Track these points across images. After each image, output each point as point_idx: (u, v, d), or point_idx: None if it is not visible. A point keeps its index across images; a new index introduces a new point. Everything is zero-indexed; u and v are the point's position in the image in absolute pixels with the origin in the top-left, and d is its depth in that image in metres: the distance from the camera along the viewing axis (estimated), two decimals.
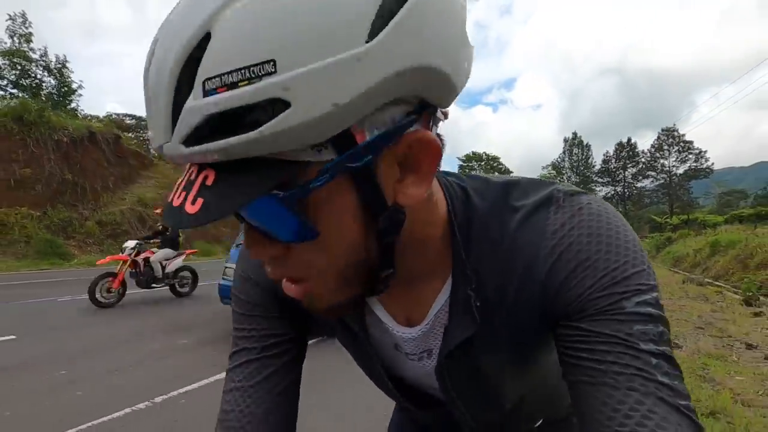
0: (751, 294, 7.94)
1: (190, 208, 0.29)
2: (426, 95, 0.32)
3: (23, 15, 22.11)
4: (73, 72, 22.53)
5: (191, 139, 0.28)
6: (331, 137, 0.29)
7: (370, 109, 0.29)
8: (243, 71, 0.26)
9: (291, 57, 0.26)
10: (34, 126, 14.61)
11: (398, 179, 0.34)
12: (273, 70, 0.26)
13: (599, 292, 0.39)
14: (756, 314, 6.92)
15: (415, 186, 0.34)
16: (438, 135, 0.37)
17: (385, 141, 0.31)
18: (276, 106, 0.26)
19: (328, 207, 0.32)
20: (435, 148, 0.34)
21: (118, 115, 30.32)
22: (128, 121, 29.75)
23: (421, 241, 0.42)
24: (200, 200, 0.29)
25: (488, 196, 0.45)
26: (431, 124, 0.35)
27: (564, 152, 47.88)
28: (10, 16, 21.46)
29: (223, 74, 0.26)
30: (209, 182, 0.29)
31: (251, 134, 0.27)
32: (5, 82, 20.84)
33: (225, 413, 0.49)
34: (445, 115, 0.38)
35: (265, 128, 0.26)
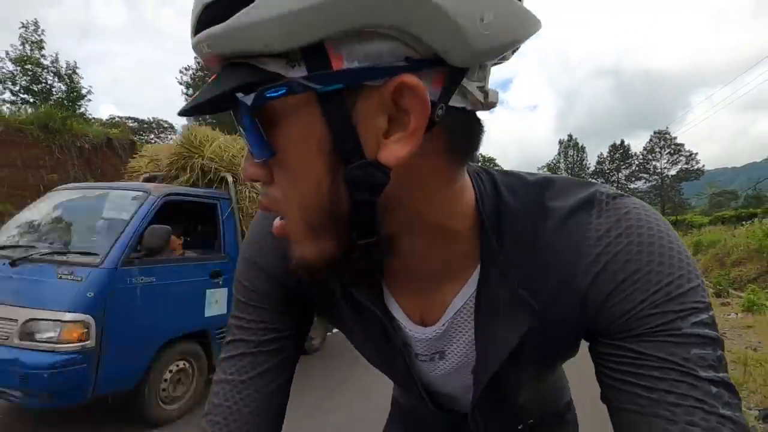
0: (721, 287, 9.10)
1: (192, 97, 0.32)
2: (420, 34, 0.28)
3: (35, 23, 22.81)
4: (83, 78, 23.31)
5: (196, 29, 0.30)
6: (302, 51, 0.28)
7: (343, 25, 0.27)
8: None
9: None
10: (58, 133, 15.49)
11: (385, 133, 0.32)
12: None
13: (651, 309, 0.36)
14: (723, 304, 8.05)
15: (398, 144, 0.31)
16: (473, 117, 0.34)
17: (365, 75, 0.29)
18: None
19: (290, 128, 0.31)
20: (421, 98, 0.30)
21: (120, 117, 30.85)
22: (131, 124, 30.31)
23: (441, 231, 0.40)
24: (198, 93, 0.32)
25: (521, 193, 0.43)
26: (449, 91, 0.31)
27: (559, 154, 48.60)
28: (23, 24, 22.20)
29: None
30: (213, 78, 0.32)
31: (224, 24, 0.28)
32: (17, 88, 21.61)
33: (213, 406, 0.48)
34: (486, 96, 0.34)
35: (235, 18, 0.27)
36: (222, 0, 0.28)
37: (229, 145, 3.93)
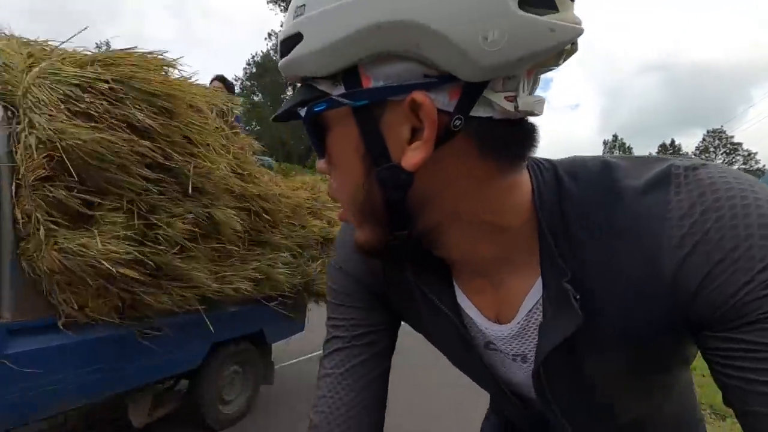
0: None
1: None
2: (429, 56, 0.31)
3: (107, 43, 24.08)
4: None
5: (281, 57, 0.36)
6: (342, 74, 0.33)
7: (367, 51, 0.31)
8: (296, 9, 0.33)
9: (312, 3, 0.32)
10: None
11: (408, 141, 0.34)
12: (302, 12, 0.33)
13: (761, 290, 0.30)
14: None
15: (416, 150, 0.34)
16: (510, 123, 0.34)
17: (386, 92, 0.32)
18: (298, 38, 0.33)
19: (335, 134, 0.36)
20: (428, 113, 0.32)
21: None
22: None
23: (488, 226, 0.38)
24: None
25: (584, 178, 0.39)
26: (467, 103, 0.32)
27: (603, 155, 45.64)
28: (97, 44, 23.44)
29: (291, 10, 0.35)
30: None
31: (287, 57, 0.34)
32: None
33: (317, 398, 0.50)
34: (517, 106, 0.33)
35: (292, 53, 0.34)
36: (286, 40, 0.34)
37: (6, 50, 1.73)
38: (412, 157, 0.33)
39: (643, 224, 0.35)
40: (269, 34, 34.71)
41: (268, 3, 33.60)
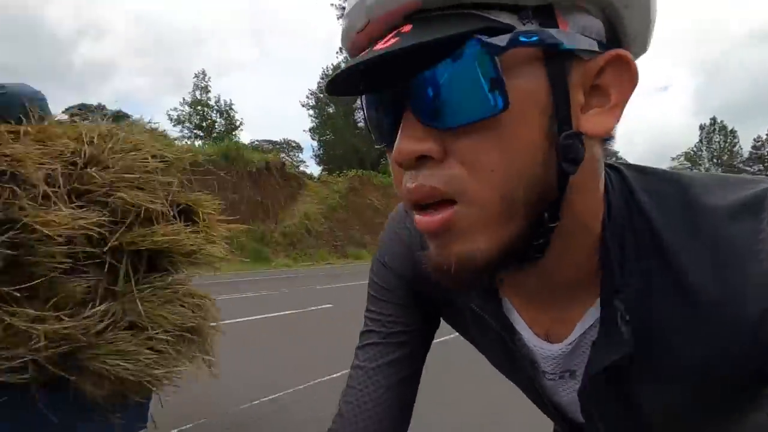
0: None
1: (379, 48, 0.26)
2: (627, 21, 0.30)
3: (203, 72, 27.04)
4: (236, 112, 26.99)
5: None
6: (534, 10, 0.27)
7: None
8: None
9: None
10: (235, 161, 18.02)
11: (582, 106, 0.29)
12: None
13: None
14: None
15: (601, 116, 0.29)
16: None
17: (586, 44, 0.28)
18: None
19: (515, 86, 0.27)
20: (633, 73, 0.29)
21: (259, 141, 34.58)
22: (266, 146, 33.75)
23: (579, 230, 0.33)
24: (393, 40, 0.26)
25: (658, 191, 0.35)
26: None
27: (701, 141, 41.17)
28: (195, 74, 26.41)
29: None
30: (405, 30, 0.27)
31: None
32: (192, 126, 25.82)
33: (347, 388, 0.50)
34: None
35: None
36: None
37: None
38: (599, 122, 0.29)
39: (727, 250, 0.31)
40: (340, 49, 35.98)
41: (338, 19, 35.13)
